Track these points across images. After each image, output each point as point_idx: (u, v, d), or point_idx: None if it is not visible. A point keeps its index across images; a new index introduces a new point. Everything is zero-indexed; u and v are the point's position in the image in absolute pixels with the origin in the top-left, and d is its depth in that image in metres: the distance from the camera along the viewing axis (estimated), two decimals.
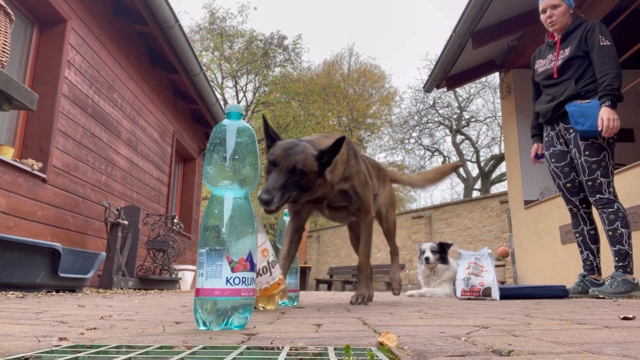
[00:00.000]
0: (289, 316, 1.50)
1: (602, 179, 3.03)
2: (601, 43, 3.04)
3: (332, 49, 50.83)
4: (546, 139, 3.41)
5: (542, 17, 3.34)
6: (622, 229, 2.98)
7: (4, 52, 2.06)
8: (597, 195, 3.05)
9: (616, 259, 3.01)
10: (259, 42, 19.80)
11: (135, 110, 6.33)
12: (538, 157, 3.60)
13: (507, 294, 3.12)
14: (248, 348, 0.77)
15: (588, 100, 3.06)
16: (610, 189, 3.03)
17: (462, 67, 6.59)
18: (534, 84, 3.56)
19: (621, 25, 4.99)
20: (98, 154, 5.33)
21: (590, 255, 3.24)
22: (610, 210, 3.01)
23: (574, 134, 3.15)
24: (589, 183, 3.07)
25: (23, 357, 0.66)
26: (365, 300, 2.32)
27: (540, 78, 3.39)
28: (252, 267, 1.07)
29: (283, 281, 1.59)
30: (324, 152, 1.94)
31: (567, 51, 3.22)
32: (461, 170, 24.18)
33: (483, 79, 19.60)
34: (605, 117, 2.90)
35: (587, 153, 3.07)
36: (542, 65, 3.39)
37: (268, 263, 1.48)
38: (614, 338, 0.89)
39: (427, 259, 3.91)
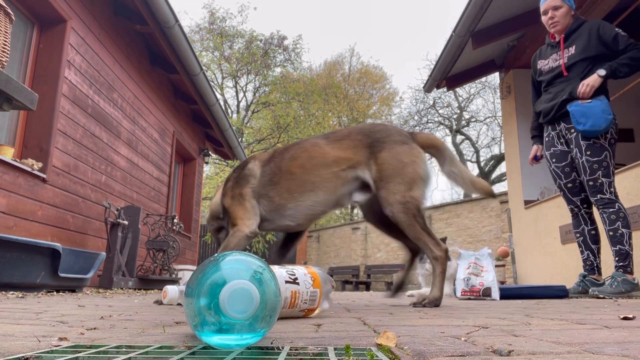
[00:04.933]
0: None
1: (603, 179, 3.03)
2: (622, 33, 3.09)
3: (334, 49, 50.88)
4: (546, 139, 3.41)
5: (544, 18, 3.34)
6: (622, 229, 2.98)
7: (4, 52, 2.06)
8: (598, 195, 3.05)
9: (616, 259, 3.01)
10: (259, 42, 19.79)
11: (135, 110, 6.33)
12: (537, 158, 3.60)
13: (507, 294, 3.12)
14: (248, 348, 0.77)
15: (589, 100, 3.06)
16: (612, 189, 3.04)
17: (462, 67, 6.59)
18: (534, 85, 3.56)
19: (621, 25, 4.98)
20: (98, 154, 5.33)
21: (591, 256, 3.24)
22: (611, 210, 3.01)
23: (575, 133, 3.15)
24: (590, 183, 3.07)
25: (23, 357, 0.66)
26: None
27: (546, 77, 3.37)
28: None
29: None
30: None
31: (572, 49, 3.22)
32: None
33: (483, 79, 19.61)
34: (586, 83, 3.01)
35: (588, 153, 3.07)
36: (546, 64, 3.38)
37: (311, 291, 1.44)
38: (614, 338, 0.89)
39: None
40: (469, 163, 24.10)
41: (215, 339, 0.75)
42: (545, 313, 1.60)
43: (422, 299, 2.04)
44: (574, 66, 3.21)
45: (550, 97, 3.30)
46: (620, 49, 3.07)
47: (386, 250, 14.01)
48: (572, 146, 3.19)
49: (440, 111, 23.95)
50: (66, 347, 0.77)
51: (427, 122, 23.86)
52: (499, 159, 22.12)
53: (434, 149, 2.23)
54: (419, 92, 22.72)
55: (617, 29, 3.12)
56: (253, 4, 49.62)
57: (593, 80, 3.02)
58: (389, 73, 42.38)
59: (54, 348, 0.76)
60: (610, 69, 3.01)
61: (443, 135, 25.17)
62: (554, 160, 3.34)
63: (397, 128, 2.23)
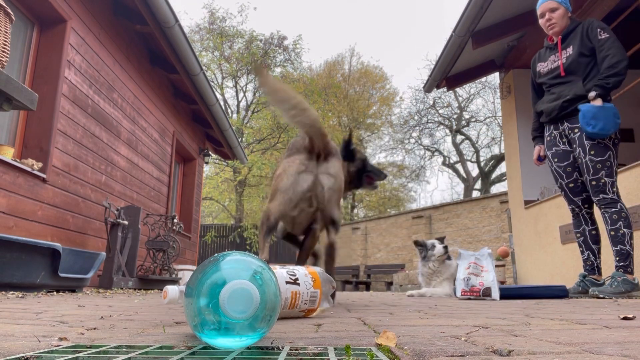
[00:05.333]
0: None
1: (606, 178, 3.03)
2: (599, 37, 3.08)
3: (334, 49, 50.86)
4: (548, 138, 3.41)
5: (541, 21, 3.35)
6: (624, 229, 2.97)
7: (4, 52, 2.06)
8: (601, 195, 3.05)
9: (617, 258, 3.01)
10: (259, 42, 19.80)
11: (135, 110, 6.33)
12: (540, 159, 3.59)
13: (507, 294, 3.12)
14: (248, 348, 0.77)
15: (601, 103, 3.05)
16: (614, 189, 3.04)
17: (462, 67, 6.59)
18: (534, 87, 3.56)
19: (621, 25, 4.99)
20: (98, 154, 5.33)
21: (591, 256, 3.24)
22: (613, 210, 3.01)
23: (579, 133, 3.14)
24: (593, 183, 3.07)
25: (23, 357, 0.66)
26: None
27: (545, 78, 3.38)
28: None
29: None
30: None
31: (569, 50, 3.23)
32: (461, 170, 24.22)
33: (483, 79, 19.62)
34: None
35: (592, 153, 3.07)
36: (545, 66, 3.40)
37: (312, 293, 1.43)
38: (614, 338, 0.89)
39: (445, 247, 3.88)
40: (469, 163, 24.14)
41: (215, 339, 0.75)
42: (545, 313, 1.60)
43: None
44: (572, 66, 3.21)
45: (553, 97, 3.30)
46: (598, 55, 3.09)
47: (386, 250, 14.01)
48: (575, 146, 3.18)
49: (440, 111, 23.98)
50: (66, 347, 0.77)
51: (427, 122, 23.88)
52: (499, 159, 22.12)
53: (316, 137, 2.01)
54: (419, 92, 22.74)
55: (598, 29, 3.11)
56: (253, 4, 49.62)
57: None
58: (389, 73, 42.44)
59: (54, 348, 0.76)
60: (599, 88, 3.01)
61: (443, 136, 25.24)
62: (555, 160, 3.34)
63: (298, 139, 2.13)
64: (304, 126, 1.97)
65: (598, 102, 3.01)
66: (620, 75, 3.01)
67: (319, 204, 2.07)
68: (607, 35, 3.08)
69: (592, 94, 3.02)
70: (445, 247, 3.87)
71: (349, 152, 2.59)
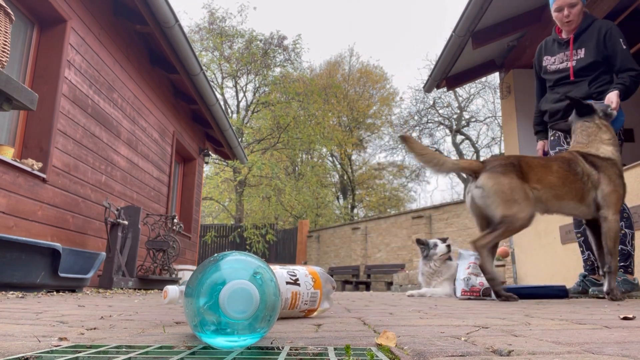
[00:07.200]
0: None
1: None
2: (624, 47, 3.04)
3: (333, 49, 50.78)
4: (552, 138, 3.38)
5: (557, 15, 3.21)
6: (625, 230, 2.97)
7: (4, 52, 2.06)
8: None
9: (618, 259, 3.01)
10: (258, 42, 19.81)
11: (135, 110, 6.33)
12: (545, 154, 3.56)
13: None
14: (248, 348, 0.77)
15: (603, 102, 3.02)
16: None
17: (462, 67, 6.59)
18: (538, 77, 3.47)
19: (621, 25, 4.98)
20: (98, 154, 5.33)
21: (591, 255, 3.24)
22: None
23: None
24: None
25: (23, 357, 0.66)
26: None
27: (551, 77, 3.31)
28: None
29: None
30: None
31: (581, 52, 3.15)
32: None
33: (483, 79, 19.62)
34: (614, 101, 2.90)
35: None
36: (553, 62, 3.30)
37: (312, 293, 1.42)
38: (614, 338, 0.89)
39: (448, 246, 3.87)
40: None
41: (215, 339, 0.75)
42: (545, 313, 1.60)
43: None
44: (581, 70, 3.16)
45: (557, 97, 3.24)
46: (616, 66, 3.04)
47: (386, 250, 14.01)
48: None
49: (440, 111, 23.99)
50: (66, 347, 0.77)
51: (427, 122, 23.89)
52: None
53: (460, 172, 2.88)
54: (419, 92, 22.75)
55: (621, 40, 3.04)
56: (252, 4, 49.63)
57: (616, 99, 2.91)
58: (389, 73, 42.41)
59: (54, 348, 0.76)
60: (624, 88, 2.95)
61: (443, 135, 25.25)
62: None
63: None
64: (448, 172, 2.79)
65: (617, 97, 2.93)
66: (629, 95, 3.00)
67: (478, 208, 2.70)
68: (627, 48, 3.04)
69: (615, 93, 2.94)
70: (448, 246, 3.86)
71: (587, 109, 2.86)
